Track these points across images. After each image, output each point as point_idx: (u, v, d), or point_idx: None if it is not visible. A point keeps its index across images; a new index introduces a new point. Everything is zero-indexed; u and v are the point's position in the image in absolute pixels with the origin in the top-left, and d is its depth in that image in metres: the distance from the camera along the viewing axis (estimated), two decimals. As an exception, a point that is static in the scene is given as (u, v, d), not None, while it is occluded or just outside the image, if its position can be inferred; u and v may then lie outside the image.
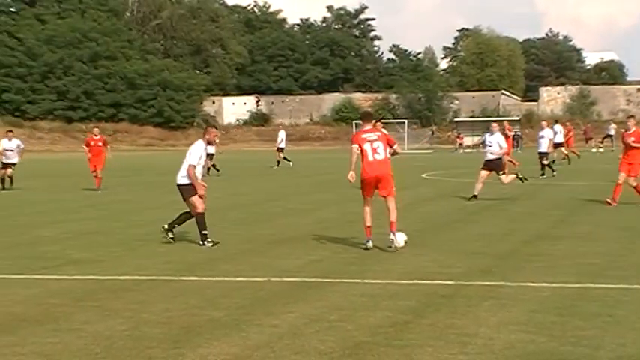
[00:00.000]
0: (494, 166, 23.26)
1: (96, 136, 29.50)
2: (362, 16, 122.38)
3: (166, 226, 15.11)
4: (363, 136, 13.95)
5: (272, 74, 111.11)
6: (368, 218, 13.93)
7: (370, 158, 13.81)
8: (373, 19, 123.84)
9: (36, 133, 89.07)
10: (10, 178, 28.67)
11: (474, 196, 22.77)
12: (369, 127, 14.38)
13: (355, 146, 13.81)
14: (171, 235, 14.98)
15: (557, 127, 39.99)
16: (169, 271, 11.92)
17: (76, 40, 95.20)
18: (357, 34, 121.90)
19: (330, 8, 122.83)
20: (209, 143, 15.37)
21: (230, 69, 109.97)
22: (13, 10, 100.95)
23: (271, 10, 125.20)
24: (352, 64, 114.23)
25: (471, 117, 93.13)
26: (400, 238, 13.80)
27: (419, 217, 18.82)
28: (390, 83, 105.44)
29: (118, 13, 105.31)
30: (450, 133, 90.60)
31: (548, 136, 33.24)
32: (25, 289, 10.61)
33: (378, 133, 14.24)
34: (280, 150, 43.74)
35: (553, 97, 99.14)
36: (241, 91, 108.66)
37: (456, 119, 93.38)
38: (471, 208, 20.82)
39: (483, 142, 23.96)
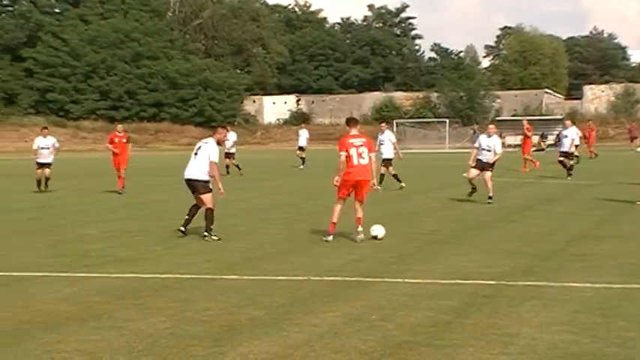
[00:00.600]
0: (486, 165, 22.73)
1: (119, 132, 28.22)
2: (403, 15, 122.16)
3: (183, 229, 15.68)
4: (350, 140, 14.80)
5: (312, 73, 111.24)
6: (336, 215, 14.90)
7: (355, 162, 14.63)
8: (414, 17, 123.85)
9: (79, 132, 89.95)
10: (47, 179, 27.59)
11: (474, 189, 22.54)
12: (355, 132, 15.10)
13: (343, 154, 14.70)
14: (182, 229, 15.67)
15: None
16: (210, 269, 11.96)
17: (118, 40, 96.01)
18: (398, 32, 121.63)
19: (370, 7, 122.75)
20: (218, 143, 16.01)
21: (271, 68, 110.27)
22: (57, 10, 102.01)
23: (312, 9, 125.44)
24: (393, 63, 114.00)
25: (514, 116, 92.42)
26: (380, 231, 15.00)
27: (459, 217, 18.72)
28: (431, 82, 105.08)
29: (160, 14, 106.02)
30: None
31: (572, 136, 32.66)
32: (68, 287, 10.71)
33: (364, 139, 14.97)
34: (301, 149, 43.77)
35: (597, 96, 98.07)
36: (282, 91, 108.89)
37: (497, 118, 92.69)
38: (512, 208, 20.64)
39: (479, 145, 23.09)
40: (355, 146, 14.70)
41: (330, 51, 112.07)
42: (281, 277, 11.27)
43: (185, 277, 11.36)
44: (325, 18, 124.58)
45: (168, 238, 15.52)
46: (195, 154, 15.64)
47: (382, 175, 26.59)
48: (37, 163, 27.68)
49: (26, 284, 11.02)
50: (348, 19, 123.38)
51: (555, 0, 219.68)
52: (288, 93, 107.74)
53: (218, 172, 15.63)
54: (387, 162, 27.43)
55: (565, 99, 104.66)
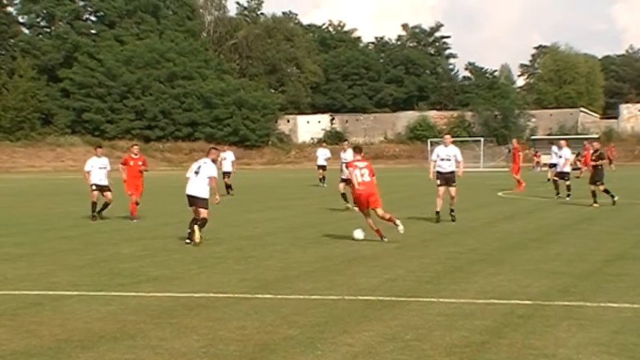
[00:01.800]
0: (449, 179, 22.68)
1: (135, 154, 24.89)
2: (437, 34, 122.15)
3: (189, 240, 17.54)
4: (355, 163, 18.36)
5: (346, 93, 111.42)
6: (373, 224, 18.12)
7: (359, 179, 18.01)
8: (448, 36, 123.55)
9: (114, 152, 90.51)
10: (106, 204, 24.58)
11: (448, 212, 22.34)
12: (359, 157, 18.63)
13: (350, 169, 18.38)
14: (189, 240, 17.54)
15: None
16: (244, 288, 11.95)
17: (154, 60, 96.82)
18: (432, 52, 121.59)
19: (405, 26, 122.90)
20: (213, 162, 18.44)
21: (305, 88, 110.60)
22: (93, 31, 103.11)
23: (346, 28, 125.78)
24: (427, 82, 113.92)
25: (549, 135, 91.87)
26: (359, 234, 18.04)
27: (496, 236, 18.60)
28: (466, 101, 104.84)
29: (194, 34, 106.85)
30: (527, 151, 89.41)
31: (566, 156, 31.64)
32: (103, 306, 10.75)
33: (366, 163, 18.33)
34: (322, 167, 43.51)
35: (634, 115, 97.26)
36: (316, 110, 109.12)
37: (533, 137, 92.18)
38: (549, 228, 20.47)
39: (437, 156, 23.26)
40: (359, 168, 18.09)
41: (364, 70, 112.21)
42: (316, 297, 11.24)
43: (219, 296, 11.35)
44: (359, 37, 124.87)
45: (203, 257, 15.55)
46: (197, 172, 17.97)
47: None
48: (94, 185, 24.59)
49: (62, 303, 11.07)
50: (382, 38, 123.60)
51: (590, 19, 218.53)
52: (322, 112, 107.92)
53: (216, 185, 18.44)
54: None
55: (601, 118, 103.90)
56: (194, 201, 17.89)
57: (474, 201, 30.58)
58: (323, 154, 44.20)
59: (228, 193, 34.67)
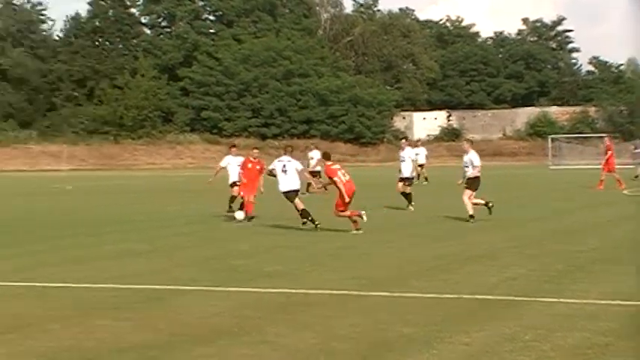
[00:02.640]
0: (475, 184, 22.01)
1: (254, 158, 24.33)
2: (559, 28, 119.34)
3: (305, 221, 20.40)
4: (333, 167, 19.83)
5: (464, 89, 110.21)
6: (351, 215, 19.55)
7: (345, 179, 19.56)
8: (571, 30, 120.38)
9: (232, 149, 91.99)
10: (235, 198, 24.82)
11: (471, 216, 21.37)
12: (330, 162, 20.10)
13: (335, 179, 19.65)
14: (305, 221, 20.47)
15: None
16: (358, 286, 11.89)
17: (270, 58, 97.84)
18: (553, 46, 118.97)
19: (525, 21, 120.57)
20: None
21: (421, 84, 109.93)
22: (212, 31, 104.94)
23: (464, 24, 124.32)
24: (548, 77, 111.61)
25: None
26: (239, 215, 21.89)
27: (619, 236, 18.05)
28: (589, 96, 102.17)
29: (311, 32, 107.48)
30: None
31: None
32: (221, 302, 10.86)
33: (338, 165, 20.12)
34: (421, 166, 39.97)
35: None
36: (432, 106, 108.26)
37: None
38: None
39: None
40: (339, 169, 19.75)
41: (482, 65, 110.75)
42: (431, 295, 11.10)
43: (333, 293, 11.33)
44: (477, 33, 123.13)
45: (317, 254, 15.59)
46: (285, 171, 21.02)
47: (406, 194, 26.19)
48: (233, 183, 25.06)
49: (181, 298, 11.25)
50: (501, 33, 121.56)
51: None
52: (439, 109, 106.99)
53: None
54: (406, 181, 26.43)
55: None
56: (289, 196, 20.82)
57: (598, 199, 29.76)
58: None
59: (307, 191, 34.54)
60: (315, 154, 36.03)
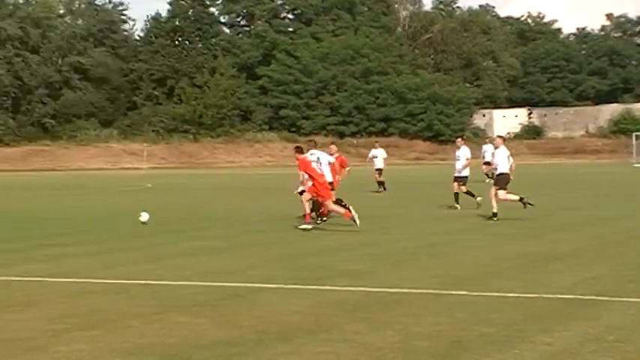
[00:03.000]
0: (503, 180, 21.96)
1: (332, 154, 23.55)
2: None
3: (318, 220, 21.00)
4: (309, 159, 20.47)
5: (545, 86, 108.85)
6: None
7: (320, 172, 20.26)
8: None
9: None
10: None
11: (494, 214, 21.39)
12: (302, 156, 20.50)
13: (302, 173, 20.53)
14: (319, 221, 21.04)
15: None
16: (438, 285, 11.80)
17: (348, 56, 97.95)
18: (638, 42, 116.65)
19: (609, 16, 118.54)
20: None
21: (501, 81, 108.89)
22: (290, 29, 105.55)
23: (545, 20, 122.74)
24: (632, 74, 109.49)
25: None
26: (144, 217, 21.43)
27: None
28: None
29: (389, 29, 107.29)
30: None
31: None
32: (299, 299, 10.89)
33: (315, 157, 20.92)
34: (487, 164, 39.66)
35: None
36: (512, 104, 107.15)
37: None
38: None
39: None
40: (315, 162, 20.44)
41: (564, 62, 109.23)
42: (512, 294, 10.95)
43: (413, 292, 11.27)
44: (559, 29, 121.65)
45: (395, 253, 15.53)
46: (320, 163, 20.95)
47: (457, 194, 25.69)
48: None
49: (260, 295, 11.31)
50: (584, 29, 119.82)
51: None
52: (520, 106, 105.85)
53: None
54: (460, 180, 25.96)
55: None
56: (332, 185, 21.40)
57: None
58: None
59: (382, 189, 34.55)
60: (379, 153, 36.10)
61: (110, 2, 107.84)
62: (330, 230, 20.01)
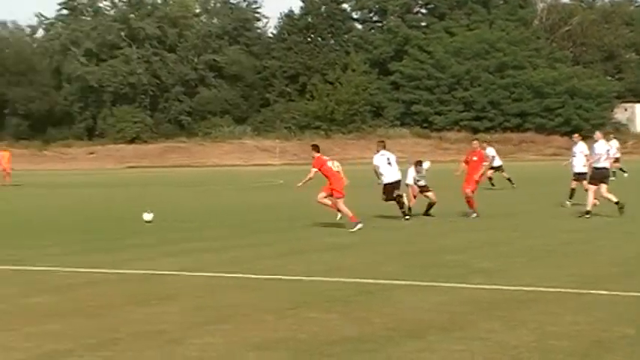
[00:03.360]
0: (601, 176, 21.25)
1: (475, 147, 23.97)
2: None
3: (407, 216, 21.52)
4: (324, 157, 20.60)
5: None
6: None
7: (335, 170, 20.29)
8: None
9: (442, 143, 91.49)
10: (432, 205, 23.00)
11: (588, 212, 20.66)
12: (318, 154, 20.40)
13: (314, 170, 20.38)
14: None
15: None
16: (575, 283, 11.47)
17: (483, 50, 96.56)
18: None
19: None
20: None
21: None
22: (423, 24, 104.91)
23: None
24: None
25: None
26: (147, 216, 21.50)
27: None
28: None
29: (526, 22, 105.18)
30: None
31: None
32: (433, 297, 10.77)
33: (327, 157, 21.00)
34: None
35: None
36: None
37: None
38: None
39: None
40: (330, 160, 20.71)
41: None
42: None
43: (549, 291, 10.99)
44: None
45: (528, 250, 15.23)
46: (389, 164, 21.76)
47: (573, 190, 25.00)
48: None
49: (392, 292, 11.24)
50: None
51: None
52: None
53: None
54: (579, 176, 24.97)
55: None
56: (397, 185, 21.77)
57: None
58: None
59: (492, 184, 33.94)
60: (490, 152, 35.26)
61: (244, 0, 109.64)
62: (458, 228, 19.79)
